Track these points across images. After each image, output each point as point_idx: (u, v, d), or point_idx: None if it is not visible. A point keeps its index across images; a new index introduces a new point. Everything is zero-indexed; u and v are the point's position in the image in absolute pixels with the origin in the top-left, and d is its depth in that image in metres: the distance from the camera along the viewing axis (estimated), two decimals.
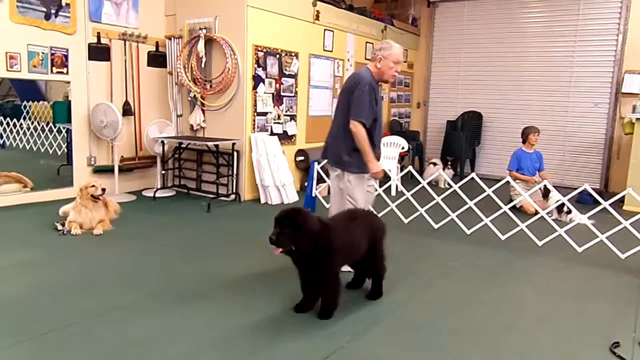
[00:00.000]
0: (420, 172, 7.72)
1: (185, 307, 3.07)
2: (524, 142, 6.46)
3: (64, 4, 5.63)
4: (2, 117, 6.09)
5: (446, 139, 8.95)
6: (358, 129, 3.50)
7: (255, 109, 6.23)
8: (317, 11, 7.01)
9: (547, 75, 8.36)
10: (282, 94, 6.61)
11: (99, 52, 6.02)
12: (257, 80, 6.18)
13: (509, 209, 4.97)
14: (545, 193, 5.80)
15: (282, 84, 6.59)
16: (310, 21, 6.93)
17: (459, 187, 5.05)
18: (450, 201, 5.04)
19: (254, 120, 6.23)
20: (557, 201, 5.50)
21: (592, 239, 4.30)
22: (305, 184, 6.27)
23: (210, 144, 5.90)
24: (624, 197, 4.67)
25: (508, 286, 3.67)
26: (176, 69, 6.44)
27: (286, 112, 6.71)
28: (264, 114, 6.36)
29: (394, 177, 6.44)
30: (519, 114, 8.58)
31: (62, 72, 5.74)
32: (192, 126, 6.51)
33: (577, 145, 8.24)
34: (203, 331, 2.76)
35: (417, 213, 5.12)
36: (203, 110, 6.45)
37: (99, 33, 5.98)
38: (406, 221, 5.17)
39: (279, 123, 6.60)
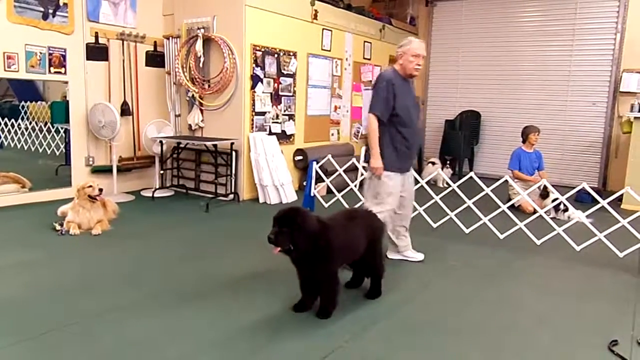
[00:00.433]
0: (419, 171, 7.73)
1: (184, 306, 3.07)
2: (524, 141, 6.45)
3: (61, 4, 5.61)
4: (0, 118, 6.08)
5: (445, 138, 8.96)
6: (370, 121, 3.72)
7: (254, 109, 6.23)
8: (315, 10, 7.01)
9: (545, 74, 8.38)
10: (280, 93, 6.61)
11: (96, 52, 6.01)
12: (255, 79, 6.18)
13: (508, 208, 4.97)
14: (545, 193, 5.80)
15: (281, 83, 6.59)
16: (308, 20, 6.93)
17: (457, 186, 5.05)
18: (448, 200, 5.04)
19: (253, 120, 6.23)
20: (553, 200, 5.52)
21: (590, 238, 4.31)
22: (304, 183, 6.27)
23: (208, 143, 5.89)
24: (622, 195, 4.67)
25: (507, 285, 3.68)
26: (174, 68, 6.44)
27: (284, 111, 6.71)
28: (262, 113, 6.36)
29: None
30: (518, 113, 8.60)
31: (60, 72, 5.73)
32: (190, 126, 6.51)
33: (575, 144, 8.26)
34: (202, 331, 2.76)
35: (416, 212, 5.10)
36: (201, 110, 6.44)
37: (96, 33, 5.97)
38: None
39: (277, 122, 6.60)
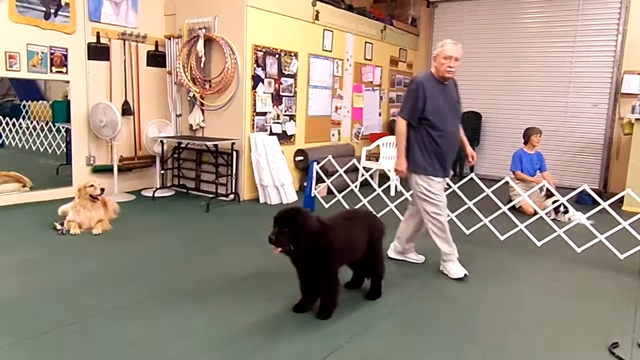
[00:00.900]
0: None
1: (184, 306, 3.07)
2: (525, 142, 6.44)
3: (63, 4, 5.62)
4: (1, 117, 6.09)
5: None
6: (397, 124, 3.76)
7: (255, 109, 6.23)
8: (317, 11, 7.01)
9: (547, 75, 8.37)
10: (281, 93, 6.61)
11: (98, 51, 6.02)
12: (256, 80, 6.18)
13: (508, 209, 4.97)
14: (550, 193, 5.77)
15: (282, 83, 6.59)
16: (309, 21, 6.93)
17: (458, 187, 5.05)
18: (449, 201, 5.01)
19: (253, 120, 6.23)
20: (554, 201, 5.51)
21: (591, 240, 4.30)
22: (305, 183, 6.27)
23: (209, 143, 5.89)
24: (623, 197, 4.67)
25: (507, 286, 3.67)
26: (175, 68, 6.44)
27: (285, 112, 6.71)
28: (263, 113, 6.36)
29: (393, 177, 6.45)
30: (519, 114, 8.59)
31: (61, 72, 5.74)
32: (191, 126, 6.51)
33: (576, 146, 8.25)
34: (202, 331, 2.76)
35: None
36: (202, 110, 6.44)
37: (98, 33, 5.97)
38: None
39: (278, 123, 6.60)
